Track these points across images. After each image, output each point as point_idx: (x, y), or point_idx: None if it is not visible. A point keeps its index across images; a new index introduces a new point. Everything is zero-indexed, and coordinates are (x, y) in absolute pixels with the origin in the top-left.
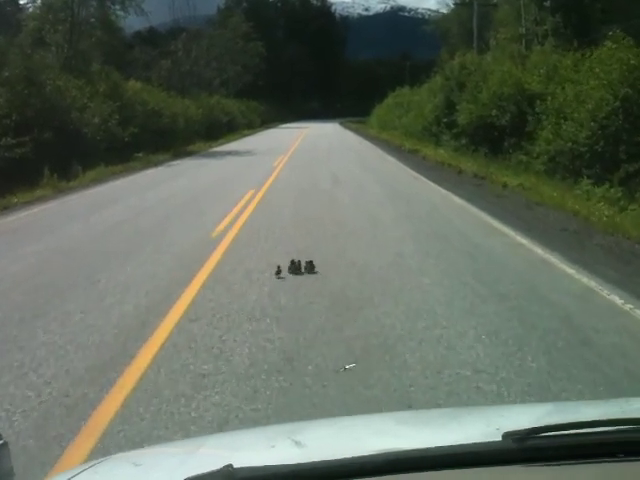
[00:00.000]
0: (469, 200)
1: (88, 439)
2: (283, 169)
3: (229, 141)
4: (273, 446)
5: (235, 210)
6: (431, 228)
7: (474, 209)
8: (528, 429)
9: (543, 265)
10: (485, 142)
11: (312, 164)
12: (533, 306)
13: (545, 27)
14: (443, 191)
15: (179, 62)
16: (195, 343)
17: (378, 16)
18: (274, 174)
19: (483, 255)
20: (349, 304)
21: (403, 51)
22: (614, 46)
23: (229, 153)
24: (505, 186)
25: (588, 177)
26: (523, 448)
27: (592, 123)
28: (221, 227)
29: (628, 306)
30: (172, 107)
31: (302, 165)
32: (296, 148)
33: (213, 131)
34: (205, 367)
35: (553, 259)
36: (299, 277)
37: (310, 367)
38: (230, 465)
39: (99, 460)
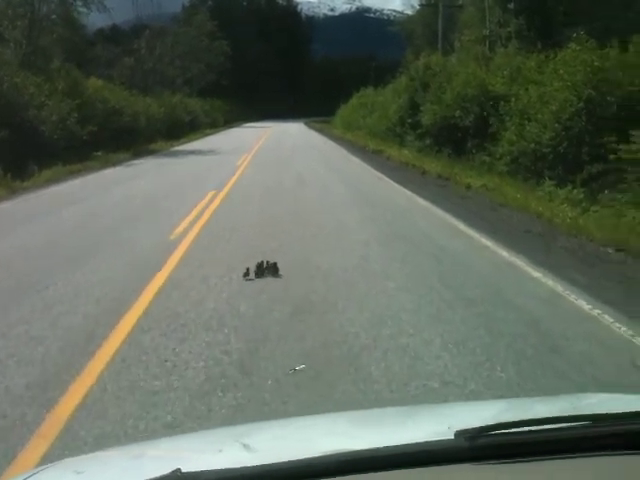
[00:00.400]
0: (433, 202)
1: (23, 467)
2: (247, 168)
3: (191, 140)
4: (220, 450)
5: (195, 211)
6: (396, 230)
7: (439, 211)
8: (480, 427)
9: (509, 268)
10: (449, 143)
11: (276, 163)
12: (500, 312)
13: (509, 29)
14: (407, 192)
15: (142, 60)
16: (146, 356)
17: (344, 16)
18: (237, 173)
19: (448, 258)
20: (312, 309)
21: (369, 52)
22: (578, 48)
23: (191, 152)
24: (469, 187)
25: (550, 178)
26: (475, 446)
27: (556, 124)
28: (180, 229)
29: (596, 311)
30: (134, 105)
31: (266, 164)
32: (260, 147)
33: (175, 130)
34: (156, 383)
35: (518, 262)
36: (261, 281)
37: (270, 382)
38: (178, 470)
39: (40, 468)
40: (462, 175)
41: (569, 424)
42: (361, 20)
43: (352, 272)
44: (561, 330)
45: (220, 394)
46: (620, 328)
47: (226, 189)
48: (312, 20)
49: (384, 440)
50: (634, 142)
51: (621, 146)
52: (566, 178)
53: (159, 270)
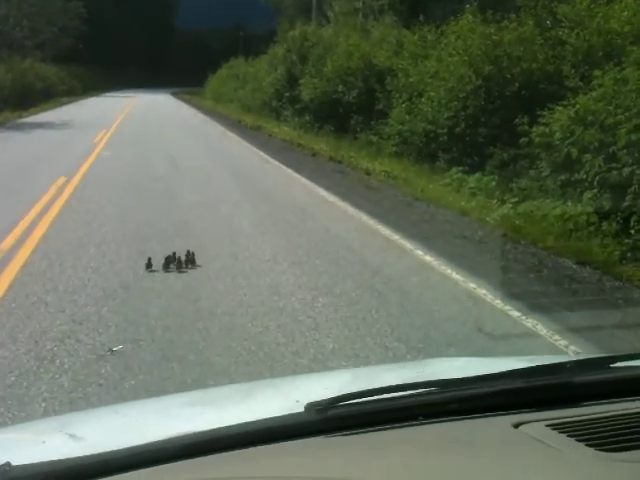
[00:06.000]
0: (338, 194)
1: None
2: (106, 147)
3: (44, 110)
4: (44, 442)
5: (32, 214)
6: (307, 240)
7: (349, 208)
8: (330, 399)
9: (475, 305)
10: (331, 119)
11: (142, 141)
12: None
13: (381, 2)
14: (304, 181)
15: None
16: None
17: None
18: (94, 154)
19: (391, 289)
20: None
21: (236, 22)
22: (472, 20)
23: (41, 125)
24: (369, 173)
25: (444, 161)
26: (326, 418)
27: (455, 102)
28: (6, 245)
29: None
30: None
31: (130, 143)
32: (123, 121)
33: (25, 99)
34: None
35: (480, 291)
36: (127, 349)
37: None
38: (7, 463)
39: None
40: (357, 158)
41: (417, 391)
42: None
43: (264, 320)
44: None
45: None
46: None
47: (77, 178)
48: None
49: (231, 419)
50: (544, 124)
51: (533, 128)
52: (460, 160)
53: None
